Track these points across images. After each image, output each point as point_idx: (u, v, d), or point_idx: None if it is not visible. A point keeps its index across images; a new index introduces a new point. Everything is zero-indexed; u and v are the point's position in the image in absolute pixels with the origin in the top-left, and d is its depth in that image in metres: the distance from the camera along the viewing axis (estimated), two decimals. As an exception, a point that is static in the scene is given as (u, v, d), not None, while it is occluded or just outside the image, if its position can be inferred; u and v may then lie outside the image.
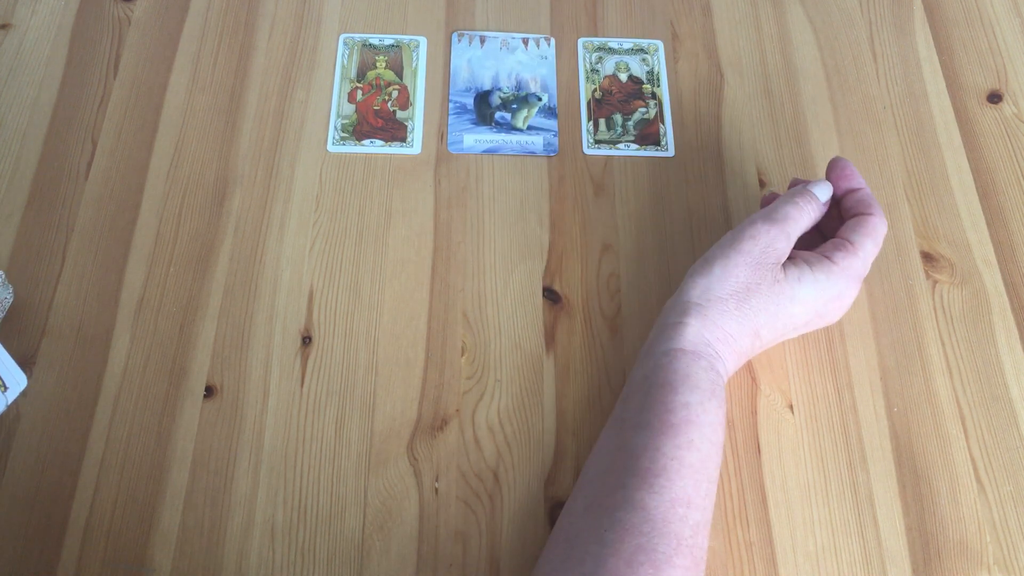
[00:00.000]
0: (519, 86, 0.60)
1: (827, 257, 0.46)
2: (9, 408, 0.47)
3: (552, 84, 0.60)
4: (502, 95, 0.59)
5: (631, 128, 0.59)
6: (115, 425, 0.48)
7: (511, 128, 0.58)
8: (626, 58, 0.62)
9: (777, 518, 0.46)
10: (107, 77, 0.59)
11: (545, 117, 0.59)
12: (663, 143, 0.58)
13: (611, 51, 0.62)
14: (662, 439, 0.41)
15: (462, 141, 0.58)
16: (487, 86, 0.60)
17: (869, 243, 0.47)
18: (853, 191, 0.49)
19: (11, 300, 0.50)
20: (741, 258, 0.45)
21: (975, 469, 0.48)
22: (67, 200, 0.54)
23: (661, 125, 0.59)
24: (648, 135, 0.59)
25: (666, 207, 0.56)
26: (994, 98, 0.60)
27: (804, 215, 0.47)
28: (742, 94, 0.60)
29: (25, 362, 0.49)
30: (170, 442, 0.47)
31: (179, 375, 0.49)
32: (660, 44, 0.62)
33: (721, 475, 0.47)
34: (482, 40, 0.61)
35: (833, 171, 0.50)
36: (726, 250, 0.46)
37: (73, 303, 0.51)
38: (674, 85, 0.60)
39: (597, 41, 0.62)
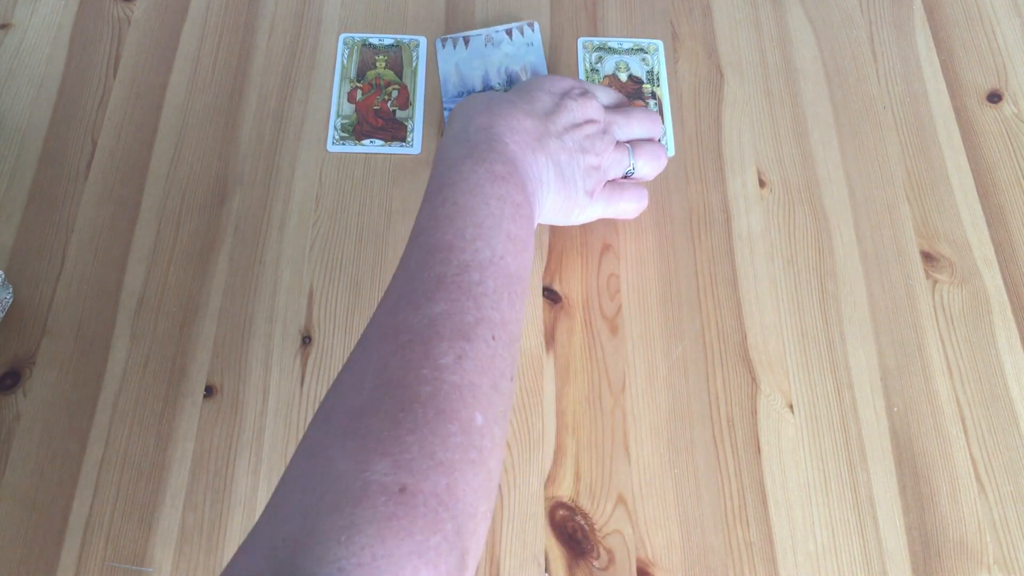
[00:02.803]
0: (510, 80, 0.60)
1: None
2: (9, 408, 0.47)
3: (542, 68, 0.60)
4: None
5: (631, 128, 0.59)
6: (115, 425, 0.48)
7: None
8: (626, 58, 0.61)
9: (777, 518, 0.46)
10: (107, 77, 0.59)
11: (545, 117, 0.59)
12: (663, 143, 0.58)
13: (611, 51, 0.62)
14: (420, 214, 0.42)
15: (462, 141, 0.57)
16: (478, 87, 0.60)
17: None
18: None
19: (11, 300, 0.50)
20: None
21: (975, 469, 0.48)
22: (67, 200, 0.54)
23: (661, 125, 0.59)
24: (648, 135, 0.58)
25: (666, 207, 0.56)
26: (994, 98, 0.60)
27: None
28: (742, 94, 0.60)
29: (25, 362, 0.49)
30: (170, 442, 0.47)
31: (179, 375, 0.49)
32: (660, 44, 0.62)
33: (721, 475, 0.47)
34: (466, 41, 0.61)
35: None
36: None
37: (73, 303, 0.51)
38: (674, 85, 0.60)
39: (597, 41, 0.62)
